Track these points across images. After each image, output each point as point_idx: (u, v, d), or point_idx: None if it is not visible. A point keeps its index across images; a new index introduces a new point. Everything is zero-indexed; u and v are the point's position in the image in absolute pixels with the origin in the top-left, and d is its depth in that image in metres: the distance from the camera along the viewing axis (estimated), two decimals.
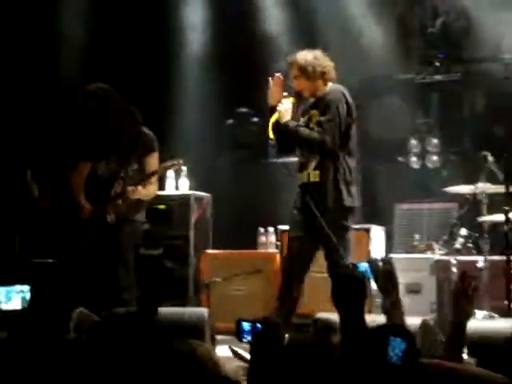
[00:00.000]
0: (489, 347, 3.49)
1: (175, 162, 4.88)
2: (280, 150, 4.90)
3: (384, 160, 7.07)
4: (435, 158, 6.53)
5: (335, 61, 7.26)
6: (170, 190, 6.60)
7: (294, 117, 4.64)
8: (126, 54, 7.18)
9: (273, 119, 4.64)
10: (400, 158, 6.66)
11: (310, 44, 7.33)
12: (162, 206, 6.31)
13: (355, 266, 2.85)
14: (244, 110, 7.36)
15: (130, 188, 4.79)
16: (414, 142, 6.61)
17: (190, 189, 6.62)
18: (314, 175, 4.60)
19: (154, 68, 7.29)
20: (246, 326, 2.70)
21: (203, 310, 4.55)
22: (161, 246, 6.34)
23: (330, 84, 4.73)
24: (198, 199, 6.58)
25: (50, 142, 6.49)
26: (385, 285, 2.79)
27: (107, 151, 4.93)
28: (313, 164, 4.61)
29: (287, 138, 4.60)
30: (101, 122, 4.87)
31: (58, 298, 4.93)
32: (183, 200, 6.49)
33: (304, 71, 4.64)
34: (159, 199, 6.02)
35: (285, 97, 4.61)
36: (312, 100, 4.73)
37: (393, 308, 2.77)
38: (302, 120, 4.69)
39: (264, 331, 2.54)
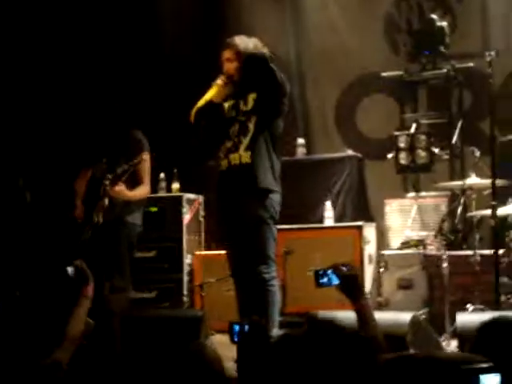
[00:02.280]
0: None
1: (142, 158, 4.83)
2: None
3: (373, 157, 7.12)
4: (424, 154, 6.58)
5: (323, 59, 7.40)
6: (161, 192, 6.64)
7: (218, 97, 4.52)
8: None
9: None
10: (389, 155, 6.70)
11: (299, 43, 7.52)
12: (154, 209, 6.35)
13: (321, 273, 2.89)
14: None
15: (115, 188, 4.78)
16: (402, 138, 6.65)
17: (182, 190, 6.66)
18: (245, 156, 4.49)
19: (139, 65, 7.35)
20: (237, 327, 2.77)
21: (198, 311, 4.60)
22: (154, 248, 6.38)
23: None
24: (190, 200, 6.62)
25: (48, 149, 6.56)
26: (351, 290, 2.85)
27: (100, 155, 4.99)
28: (244, 144, 4.49)
29: (260, 68, 4.38)
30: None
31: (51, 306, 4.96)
32: (175, 201, 6.53)
33: (239, 55, 4.52)
34: (151, 201, 6.07)
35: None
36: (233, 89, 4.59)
37: (362, 312, 2.83)
38: (227, 105, 4.57)
39: (250, 331, 2.60)
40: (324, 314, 4.23)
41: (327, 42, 7.41)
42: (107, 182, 4.81)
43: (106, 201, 4.83)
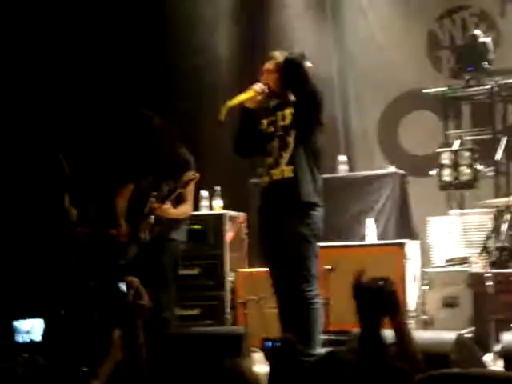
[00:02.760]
0: None
1: (191, 177, 4.88)
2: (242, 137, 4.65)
3: (417, 174, 7.08)
4: (468, 170, 6.52)
5: (366, 76, 7.39)
6: (204, 210, 6.68)
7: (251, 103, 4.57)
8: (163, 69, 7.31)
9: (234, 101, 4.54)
10: (432, 172, 6.65)
11: (342, 60, 7.53)
12: (197, 226, 6.38)
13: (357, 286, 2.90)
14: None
15: (162, 206, 4.85)
16: (445, 155, 6.60)
17: (224, 208, 6.69)
18: (288, 171, 4.51)
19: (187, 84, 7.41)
20: (269, 344, 2.78)
21: (240, 329, 4.60)
22: (196, 266, 6.42)
23: None
24: (233, 218, 6.65)
25: (91, 164, 6.65)
26: (388, 305, 2.84)
27: (146, 172, 5.05)
28: (285, 159, 4.51)
29: (296, 72, 4.43)
30: (149, 145, 5.03)
31: (98, 320, 5.01)
32: (217, 219, 6.56)
33: (280, 69, 4.57)
34: (194, 219, 6.11)
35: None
36: (275, 102, 4.66)
37: (399, 329, 2.81)
38: (265, 121, 4.63)
39: (281, 348, 2.60)
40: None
41: (370, 58, 7.41)
42: (153, 200, 4.87)
43: (153, 219, 4.89)
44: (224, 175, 6.93)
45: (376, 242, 6.33)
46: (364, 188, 6.62)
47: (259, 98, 4.62)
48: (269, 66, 4.64)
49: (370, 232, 6.36)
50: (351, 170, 7.05)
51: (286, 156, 4.50)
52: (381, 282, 2.82)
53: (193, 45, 7.38)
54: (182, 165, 5.00)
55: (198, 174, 4.91)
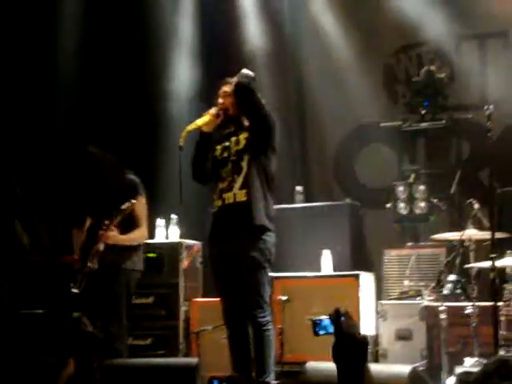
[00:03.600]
0: None
1: (127, 205, 4.83)
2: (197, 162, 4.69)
3: (372, 207, 7.14)
4: (422, 204, 6.60)
5: (323, 109, 7.46)
6: (160, 238, 6.64)
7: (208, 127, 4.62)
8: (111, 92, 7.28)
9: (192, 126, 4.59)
10: (388, 205, 6.71)
11: (299, 92, 7.58)
12: (153, 254, 6.33)
13: (318, 322, 2.87)
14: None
15: (108, 233, 4.79)
16: (401, 188, 6.68)
17: (181, 237, 6.65)
18: (240, 195, 4.53)
19: (143, 108, 7.39)
20: (216, 383, 2.75)
21: (193, 360, 4.55)
22: (151, 294, 6.35)
23: None
24: (188, 247, 6.61)
25: (43, 190, 6.56)
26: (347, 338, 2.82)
27: (109, 206, 4.94)
28: (238, 183, 4.54)
29: (248, 96, 4.49)
30: (101, 180, 4.98)
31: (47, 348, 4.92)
32: (173, 248, 6.51)
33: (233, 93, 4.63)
34: (149, 248, 6.07)
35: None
36: (229, 129, 4.70)
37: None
38: (219, 147, 4.66)
39: None
40: (313, 365, 4.21)
41: (327, 91, 7.48)
42: (103, 228, 4.81)
43: (101, 246, 4.82)
44: (180, 203, 6.89)
45: (331, 273, 6.34)
46: (320, 219, 6.65)
47: (216, 121, 4.65)
48: (226, 88, 4.67)
49: (326, 263, 6.38)
50: (308, 200, 7.08)
51: (239, 180, 4.52)
52: (342, 317, 2.79)
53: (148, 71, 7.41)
54: (131, 189, 4.97)
55: (134, 201, 4.84)
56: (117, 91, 7.34)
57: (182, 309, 6.38)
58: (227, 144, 4.67)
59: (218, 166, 4.66)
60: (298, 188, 7.02)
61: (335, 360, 2.62)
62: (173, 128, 7.20)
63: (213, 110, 4.65)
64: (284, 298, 5.88)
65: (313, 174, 7.66)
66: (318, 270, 6.38)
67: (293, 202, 6.91)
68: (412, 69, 7.45)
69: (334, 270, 6.34)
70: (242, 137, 4.62)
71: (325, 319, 2.83)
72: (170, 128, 7.22)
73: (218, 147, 4.70)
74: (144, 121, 7.37)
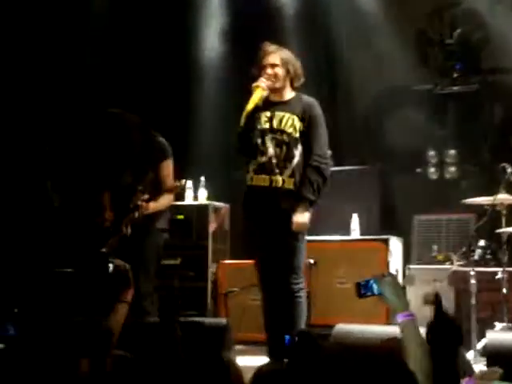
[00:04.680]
0: (508, 358, 3.48)
1: (180, 185, 4.95)
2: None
3: (402, 171, 7.07)
4: (453, 169, 6.53)
5: (354, 72, 7.37)
6: (188, 200, 6.64)
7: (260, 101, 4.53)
8: (145, 64, 7.25)
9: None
10: (418, 170, 6.65)
11: (329, 54, 7.50)
12: (181, 216, 6.35)
13: (363, 284, 2.83)
14: None
15: (142, 204, 4.82)
16: (431, 153, 6.60)
17: (208, 199, 6.65)
18: (288, 182, 4.52)
19: (175, 80, 7.35)
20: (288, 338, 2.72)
21: (223, 320, 4.57)
22: (179, 255, 6.37)
23: (300, 93, 4.66)
24: (216, 209, 6.61)
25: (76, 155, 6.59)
26: (394, 299, 2.78)
27: (125, 163, 4.98)
28: (288, 170, 4.52)
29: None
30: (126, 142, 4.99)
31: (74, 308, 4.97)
32: (201, 210, 6.52)
33: (285, 64, 4.56)
34: (178, 209, 6.07)
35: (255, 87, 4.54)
36: (274, 99, 4.61)
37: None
38: (262, 115, 4.57)
39: (300, 342, 2.53)
40: (342, 327, 4.20)
41: (358, 54, 7.38)
42: (139, 196, 4.84)
43: (137, 214, 4.86)
44: (209, 166, 6.90)
45: (360, 237, 6.32)
46: (350, 183, 6.61)
47: (265, 94, 4.56)
48: (274, 60, 4.58)
49: (354, 227, 6.35)
50: (337, 164, 7.02)
51: (290, 168, 4.50)
52: (387, 277, 2.76)
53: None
54: (159, 153, 4.99)
55: (183, 182, 4.98)
56: (151, 53, 7.30)
57: (210, 270, 6.40)
58: (268, 114, 4.58)
59: (260, 135, 4.57)
60: (328, 152, 6.95)
61: (431, 342, 2.59)
62: (203, 90, 7.19)
63: (262, 84, 4.53)
64: (311, 261, 5.87)
65: (342, 138, 7.59)
66: (348, 234, 6.36)
67: None
68: (445, 31, 7.31)
69: (363, 235, 6.32)
70: (297, 124, 4.54)
71: (370, 280, 2.80)
72: (200, 90, 7.20)
73: (262, 115, 4.58)
74: (175, 83, 7.33)
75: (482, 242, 5.66)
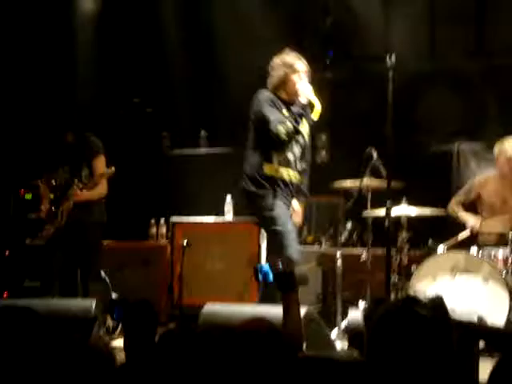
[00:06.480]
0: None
1: (109, 171, 5.41)
2: None
3: None
4: (323, 153, 6.71)
5: (230, 58, 7.40)
6: None
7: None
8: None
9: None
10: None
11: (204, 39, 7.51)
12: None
13: (259, 268, 2.95)
14: (136, 100, 7.42)
15: (76, 192, 5.38)
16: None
17: None
18: (298, 179, 5.02)
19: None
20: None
21: (91, 302, 4.55)
22: None
23: None
24: None
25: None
26: (284, 283, 2.90)
27: (60, 162, 5.54)
28: (300, 167, 5.03)
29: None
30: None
31: None
32: None
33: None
34: None
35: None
36: (298, 105, 5.02)
37: (288, 307, 2.88)
38: (301, 126, 4.97)
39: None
40: (211, 307, 4.28)
41: (233, 39, 7.43)
42: (75, 187, 5.38)
43: (71, 204, 5.40)
44: None
45: (231, 219, 6.41)
46: (224, 164, 6.67)
47: None
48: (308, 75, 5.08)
49: (228, 209, 6.43)
50: (212, 145, 7.09)
51: (299, 166, 5.04)
52: (279, 263, 2.89)
53: None
54: (92, 150, 5.52)
55: (113, 169, 5.38)
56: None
57: None
58: (290, 115, 4.95)
59: (294, 134, 4.90)
60: (203, 133, 7.01)
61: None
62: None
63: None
64: (185, 242, 5.91)
65: (218, 120, 7.65)
66: (223, 214, 6.43)
67: (199, 146, 6.90)
68: (318, 19, 7.46)
69: (237, 215, 6.40)
70: (305, 127, 5.01)
71: (264, 267, 2.91)
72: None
73: (285, 112, 4.94)
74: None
75: (348, 225, 5.86)
